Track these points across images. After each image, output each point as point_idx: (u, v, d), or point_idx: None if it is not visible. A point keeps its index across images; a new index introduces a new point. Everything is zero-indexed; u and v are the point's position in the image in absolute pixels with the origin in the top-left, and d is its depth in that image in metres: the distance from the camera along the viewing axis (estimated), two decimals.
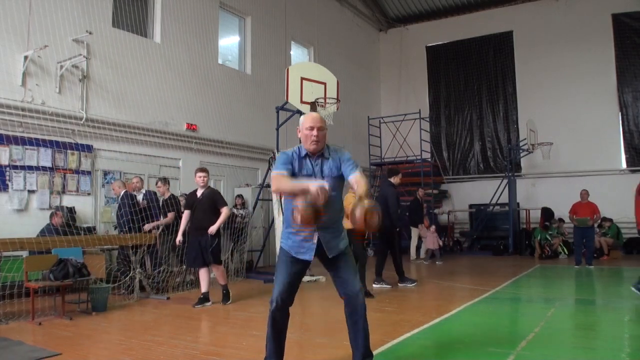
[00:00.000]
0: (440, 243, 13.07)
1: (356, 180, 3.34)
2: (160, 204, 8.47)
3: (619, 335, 5.12)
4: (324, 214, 3.13)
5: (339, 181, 3.52)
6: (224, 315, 6.32)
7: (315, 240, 3.41)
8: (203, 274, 6.80)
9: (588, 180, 14.24)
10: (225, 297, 6.88)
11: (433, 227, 12.99)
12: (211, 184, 11.38)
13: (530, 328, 5.13)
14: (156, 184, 8.77)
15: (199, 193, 6.93)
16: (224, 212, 6.82)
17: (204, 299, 6.73)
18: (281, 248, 3.56)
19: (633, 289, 6.88)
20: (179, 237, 7.10)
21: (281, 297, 3.40)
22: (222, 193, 11.02)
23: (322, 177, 3.42)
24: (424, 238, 12.90)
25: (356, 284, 3.47)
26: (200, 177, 6.91)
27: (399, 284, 8.12)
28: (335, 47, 16.34)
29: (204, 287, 6.78)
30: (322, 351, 4.38)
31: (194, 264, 6.92)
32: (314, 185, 3.06)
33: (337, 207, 3.52)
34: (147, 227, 7.88)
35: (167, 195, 8.41)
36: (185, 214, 7.05)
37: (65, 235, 6.97)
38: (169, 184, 8.74)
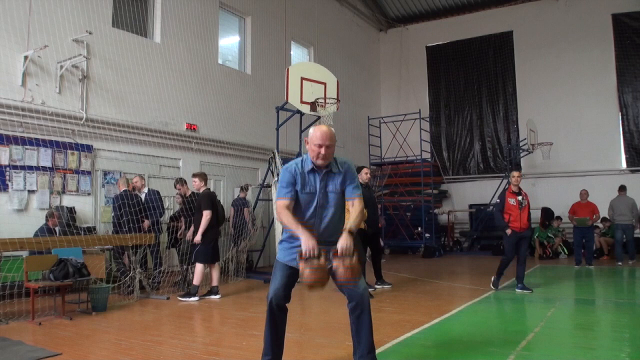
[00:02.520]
0: (382, 243, 13.32)
1: (352, 204, 3.50)
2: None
3: (618, 335, 5.12)
4: (327, 276, 3.29)
5: (342, 195, 3.56)
6: (224, 315, 6.33)
7: None
8: (210, 270, 7.39)
9: (588, 180, 14.26)
10: (186, 295, 7.18)
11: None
12: (211, 184, 11.49)
13: (530, 328, 5.13)
14: (175, 186, 8.93)
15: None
16: (204, 215, 7.22)
17: (210, 291, 7.32)
18: (277, 260, 3.61)
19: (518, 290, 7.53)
20: (189, 236, 7.81)
21: (276, 294, 3.45)
22: (221, 193, 11.10)
23: (326, 193, 3.49)
24: None
25: (361, 284, 3.49)
26: (193, 182, 7.63)
27: (376, 286, 8.07)
28: (335, 47, 16.34)
29: (213, 282, 7.36)
30: (322, 351, 4.38)
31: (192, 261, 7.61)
32: (304, 245, 3.21)
33: (337, 221, 3.56)
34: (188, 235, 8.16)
35: (188, 194, 8.57)
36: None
37: (65, 235, 6.97)
38: (186, 183, 8.93)
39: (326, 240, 3.50)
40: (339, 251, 3.27)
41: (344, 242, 3.28)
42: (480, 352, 4.30)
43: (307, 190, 3.48)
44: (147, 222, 8.08)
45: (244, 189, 10.71)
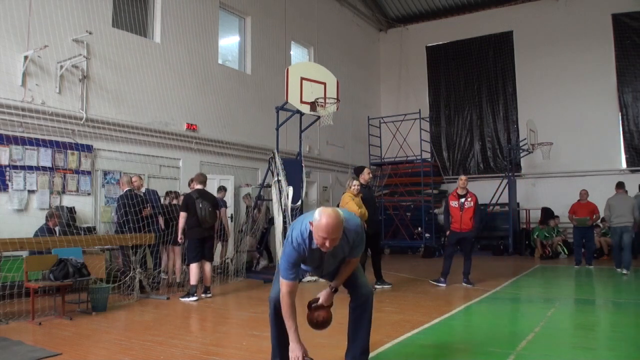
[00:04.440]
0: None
1: (346, 265, 3.55)
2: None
3: (618, 335, 5.12)
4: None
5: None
6: (224, 315, 6.33)
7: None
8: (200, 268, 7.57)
9: (588, 180, 14.25)
10: (187, 295, 7.22)
11: None
12: (213, 184, 11.49)
13: (530, 328, 5.13)
14: (189, 184, 8.92)
15: None
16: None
17: (203, 291, 7.44)
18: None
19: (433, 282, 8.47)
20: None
21: (277, 298, 3.46)
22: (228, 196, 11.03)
23: (331, 265, 3.51)
24: None
25: (368, 288, 3.57)
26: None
27: (376, 286, 8.10)
28: (335, 47, 16.34)
29: (204, 281, 7.53)
30: (322, 351, 4.37)
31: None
32: (291, 354, 3.36)
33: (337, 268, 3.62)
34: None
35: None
36: None
37: (65, 235, 6.97)
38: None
39: (328, 276, 3.72)
40: (319, 301, 3.58)
41: (324, 298, 3.56)
42: (480, 352, 4.30)
43: (310, 264, 3.52)
44: (147, 211, 8.07)
45: (222, 189, 10.66)
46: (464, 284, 8.27)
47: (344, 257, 3.49)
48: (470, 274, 8.36)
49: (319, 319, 3.53)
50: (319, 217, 3.13)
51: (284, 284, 3.32)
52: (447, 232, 8.52)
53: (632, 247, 10.13)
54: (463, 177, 8.52)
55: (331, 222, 3.08)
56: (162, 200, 9.16)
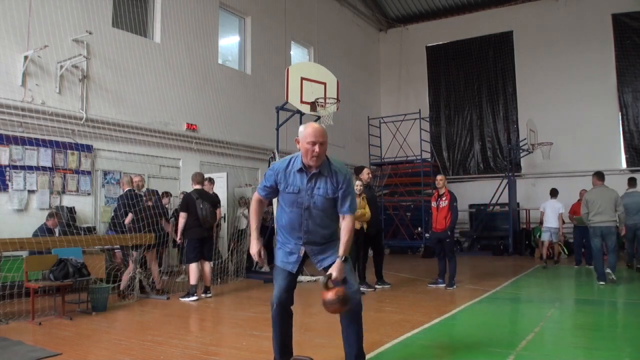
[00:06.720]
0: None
1: (343, 218, 3.41)
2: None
3: (618, 335, 5.12)
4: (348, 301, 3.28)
5: (333, 202, 3.40)
6: (224, 315, 6.33)
7: (301, 254, 3.44)
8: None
9: (588, 180, 14.15)
10: (186, 295, 7.20)
11: None
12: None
13: (530, 328, 5.13)
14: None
15: None
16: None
17: (203, 291, 7.47)
18: (276, 264, 3.58)
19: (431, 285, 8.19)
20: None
21: (280, 298, 3.43)
22: (221, 193, 11.05)
23: (313, 195, 3.34)
24: None
25: (354, 284, 3.47)
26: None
27: (377, 286, 8.08)
28: (335, 47, 16.35)
29: (204, 281, 7.54)
30: (322, 351, 4.37)
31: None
32: (251, 250, 3.52)
33: (327, 227, 3.45)
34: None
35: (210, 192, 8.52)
36: None
37: (65, 235, 6.97)
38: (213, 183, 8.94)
39: (317, 242, 3.44)
40: (332, 277, 3.27)
41: (337, 272, 3.29)
42: (480, 352, 4.30)
43: (290, 190, 3.35)
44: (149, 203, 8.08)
45: None
46: (446, 287, 7.89)
47: (331, 201, 3.36)
48: (455, 277, 7.99)
49: (339, 294, 3.19)
50: (304, 127, 3.30)
51: (255, 195, 3.57)
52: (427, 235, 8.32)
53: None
54: (438, 177, 8.25)
55: (316, 126, 3.31)
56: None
